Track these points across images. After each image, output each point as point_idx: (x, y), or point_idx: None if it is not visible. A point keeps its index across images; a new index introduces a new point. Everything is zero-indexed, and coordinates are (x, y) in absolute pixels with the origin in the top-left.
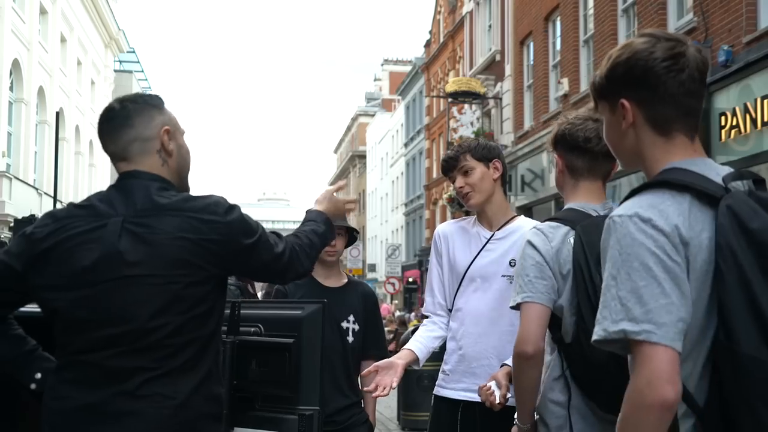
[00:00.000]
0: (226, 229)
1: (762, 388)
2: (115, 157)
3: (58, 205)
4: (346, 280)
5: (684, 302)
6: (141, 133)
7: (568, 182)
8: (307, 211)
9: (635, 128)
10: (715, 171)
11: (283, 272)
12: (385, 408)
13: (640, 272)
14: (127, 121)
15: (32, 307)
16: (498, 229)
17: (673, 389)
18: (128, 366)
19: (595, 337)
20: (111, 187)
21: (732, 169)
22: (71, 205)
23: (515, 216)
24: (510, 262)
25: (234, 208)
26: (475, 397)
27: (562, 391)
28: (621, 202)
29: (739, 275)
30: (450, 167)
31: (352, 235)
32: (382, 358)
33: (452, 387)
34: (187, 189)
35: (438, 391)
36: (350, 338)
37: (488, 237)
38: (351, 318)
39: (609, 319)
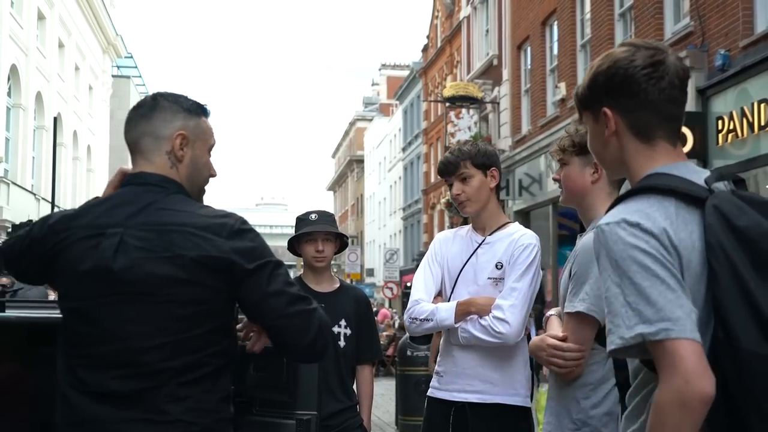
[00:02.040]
0: (226, 249)
1: (766, 382)
2: (130, 148)
3: (56, 211)
4: (337, 285)
5: (688, 296)
6: (155, 130)
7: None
8: None
9: (618, 136)
10: (697, 174)
11: (303, 324)
12: (384, 413)
13: (641, 273)
14: (149, 113)
15: (40, 313)
16: (489, 234)
17: (711, 381)
18: (137, 388)
19: (612, 346)
20: (115, 194)
21: (710, 171)
22: (67, 215)
23: (508, 222)
24: (497, 265)
25: (244, 232)
26: (467, 398)
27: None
28: (607, 211)
29: (732, 272)
30: (448, 172)
31: (343, 241)
32: (377, 363)
33: (445, 388)
34: (198, 201)
35: (431, 392)
36: (342, 343)
37: (479, 242)
38: (342, 323)
39: (623, 326)
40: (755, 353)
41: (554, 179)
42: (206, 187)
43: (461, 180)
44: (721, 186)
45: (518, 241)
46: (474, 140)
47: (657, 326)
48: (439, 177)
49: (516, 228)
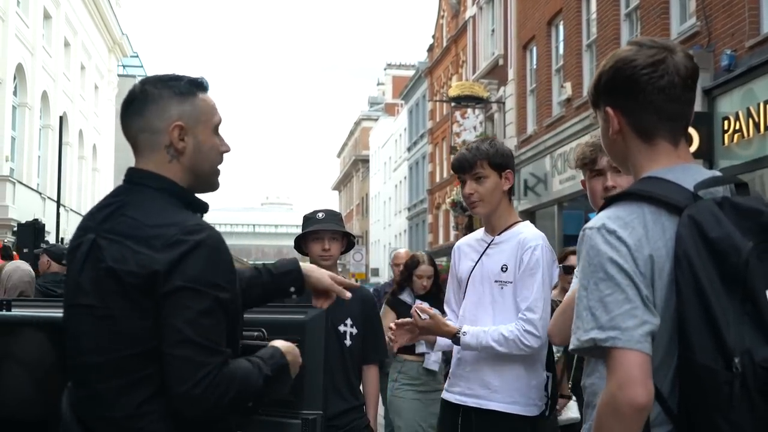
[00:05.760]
0: (150, 261)
1: (718, 398)
2: (131, 145)
3: (62, 210)
4: None
5: (647, 308)
6: (150, 124)
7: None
8: (267, 345)
9: (622, 135)
10: (693, 177)
11: (185, 371)
12: None
13: (605, 282)
14: (140, 107)
15: (43, 312)
16: (498, 234)
17: (644, 391)
18: (87, 415)
19: (571, 346)
20: (109, 193)
21: (715, 174)
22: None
23: (518, 221)
24: (502, 268)
25: (180, 243)
26: (465, 402)
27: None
28: (597, 213)
29: (695, 285)
30: (463, 169)
31: (349, 240)
32: (383, 363)
33: (451, 390)
34: (207, 188)
35: (443, 394)
36: (348, 342)
37: (488, 242)
38: (348, 321)
39: (581, 329)
40: (708, 367)
41: (610, 187)
42: (220, 167)
43: (475, 179)
44: (718, 191)
45: (525, 244)
46: (491, 139)
47: (607, 333)
48: (444, 177)
49: (523, 228)
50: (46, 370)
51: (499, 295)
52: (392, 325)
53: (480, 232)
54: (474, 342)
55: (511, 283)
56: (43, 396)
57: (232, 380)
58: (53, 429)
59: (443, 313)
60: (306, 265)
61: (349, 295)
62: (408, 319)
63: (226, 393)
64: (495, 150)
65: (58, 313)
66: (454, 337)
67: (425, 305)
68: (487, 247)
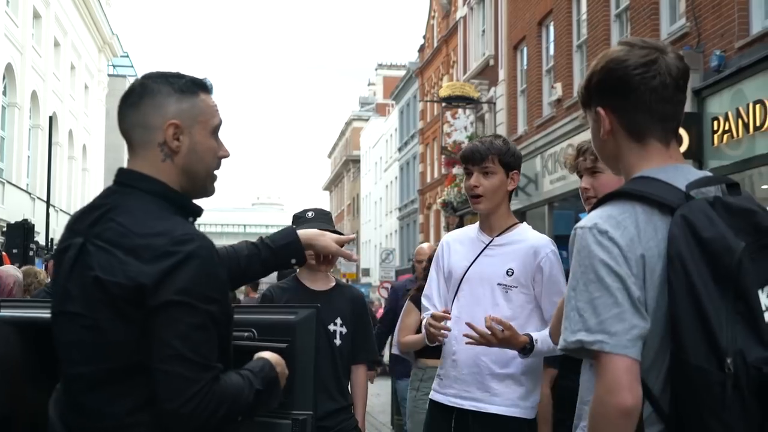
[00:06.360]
0: (137, 274)
1: (710, 399)
2: (125, 140)
3: (51, 210)
4: (333, 284)
5: (637, 311)
6: (145, 119)
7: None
8: (255, 357)
9: (613, 135)
10: (684, 177)
11: (177, 387)
12: (380, 413)
13: (595, 284)
14: (137, 100)
15: (35, 312)
16: (498, 235)
17: (631, 396)
18: (77, 426)
19: (558, 345)
20: (99, 195)
21: (707, 174)
22: (72, 215)
23: (517, 223)
24: (507, 271)
25: (170, 255)
26: (462, 405)
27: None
28: (589, 212)
29: (688, 285)
30: (473, 161)
31: None
32: (373, 362)
33: (444, 392)
34: (201, 193)
35: (432, 395)
36: (337, 341)
37: (487, 242)
38: (338, 321)
39: (569, 330)
40: (701, 368)
41: (583, 188)
42: (217, 172)
43: (483, 173)
44: (710, 191)
45: (540, 251)
46: (503, 137)
47: (595, 337)
48: (435, 177)
49: (526, 231)
50: (8, 368)
51: (503, 298)
52: (442, 317)
53: (473, 230)
54: (545, 348)
55: (516, 287)
56: (7, 393)
57: (223, 397)
58: (18, 426)
59: (420, 305)
60: (306, 233)
61: (356, 257)
62: (446, 315)
63: (216, 410)
64: (507, 148)
65: (39, 313)
66: (524, 348)
67: (498, 316)
68: (486, 248)
